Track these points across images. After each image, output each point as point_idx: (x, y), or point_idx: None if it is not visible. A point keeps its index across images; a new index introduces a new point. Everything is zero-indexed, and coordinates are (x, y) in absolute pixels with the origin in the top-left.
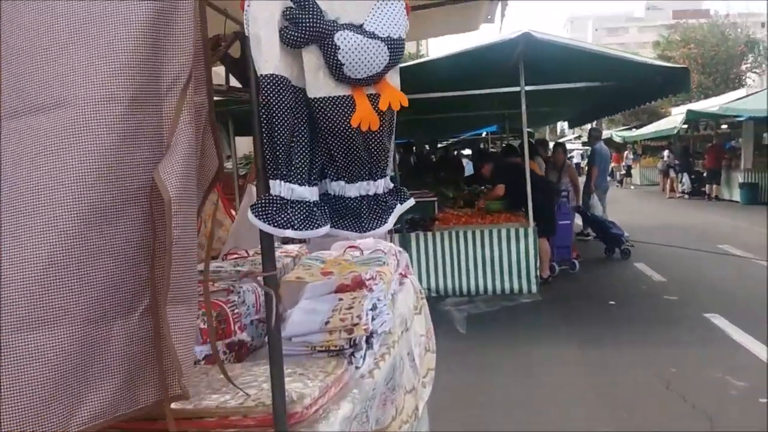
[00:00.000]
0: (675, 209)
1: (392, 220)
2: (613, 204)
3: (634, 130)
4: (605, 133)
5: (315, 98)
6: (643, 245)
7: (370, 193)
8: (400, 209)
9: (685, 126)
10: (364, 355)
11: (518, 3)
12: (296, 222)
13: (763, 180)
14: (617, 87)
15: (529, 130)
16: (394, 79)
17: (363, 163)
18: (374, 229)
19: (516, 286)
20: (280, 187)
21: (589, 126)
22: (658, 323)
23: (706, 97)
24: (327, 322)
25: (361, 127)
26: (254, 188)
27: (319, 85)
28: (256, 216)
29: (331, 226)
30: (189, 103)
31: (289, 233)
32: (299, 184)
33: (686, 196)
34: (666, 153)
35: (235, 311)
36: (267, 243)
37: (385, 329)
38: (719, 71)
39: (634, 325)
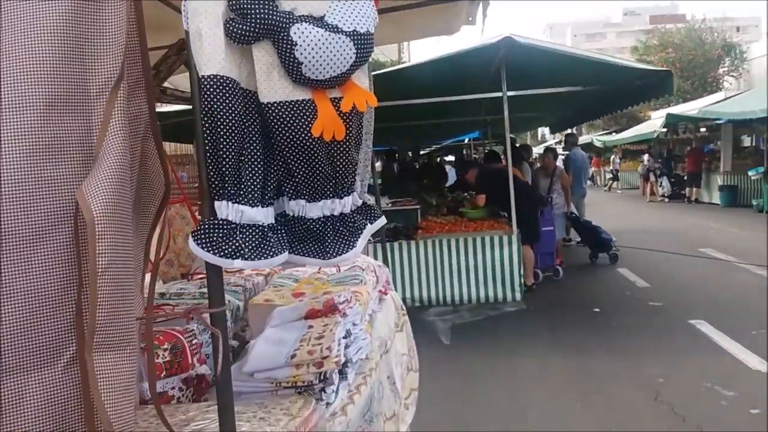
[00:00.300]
0: (656, 213)
1: (361, 243)
2: (593, 208)
3: (614, 134)
4: (586, 138)
5: (269, 103)
6: (625, 250)
7: (336, 212)
8: (370, 230)
9: (665, 130)
10: (337, 389)
11: (496, 9)
12: (247, 250)
13: (742, 182)
14: (599, 91)
15: (511, 135)
16: (361, 80)
17: (327, 178)
18: (341, 255)
19: (500, 295)
20: (227, 209)
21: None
22: (644, 330)
23: (685, 100)
24: (293, 355)
25: (323, 136)
26: None
27: (274, 88)
28: (198, 244)
29: (290, 253)
30: (121, 109)
31: (239, 264)
32: (250, 205)
33: (666, 200)
34: (646, 157)
35: (194, 341)
36: (213, 275)
37: (362, 356)
38: (697, 75)
39: (619, 333)
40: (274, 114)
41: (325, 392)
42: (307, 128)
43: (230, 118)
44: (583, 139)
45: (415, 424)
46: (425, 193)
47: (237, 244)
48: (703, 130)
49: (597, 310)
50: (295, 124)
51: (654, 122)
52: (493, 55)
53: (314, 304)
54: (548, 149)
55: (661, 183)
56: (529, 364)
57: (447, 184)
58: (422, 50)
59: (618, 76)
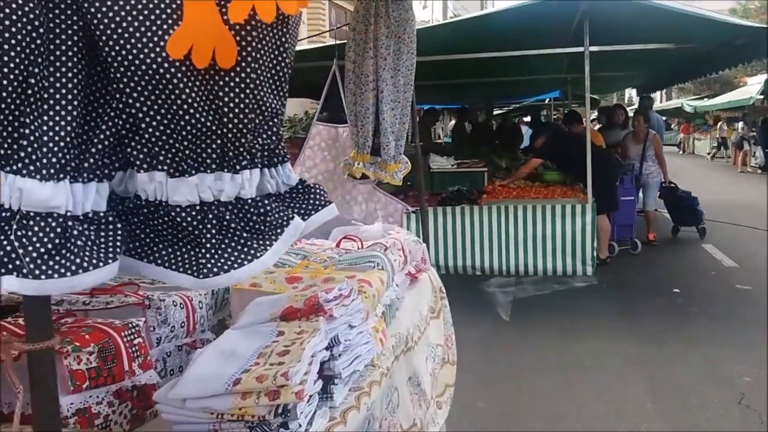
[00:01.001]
0: (747, 185)
1: (277, 250)
2: (676, 178)
3: (706, 99)
4: (676, 102)
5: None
6: (712, 224)
7: (225, 196)
8: (298, 228)
9: (761, 97)
10: (311, 419)
11: None
12: (28, 258)
13: None
14: (693, 50)
15: (594, 96)
16: None
17: (204, 135)
18: (227, 272)
19: (569, 268)
20: None
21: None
22: (729, 319)
23: None
24: (237, 381)
25: (193, 59)
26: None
27: None
28: None
29: (137, 260)
30: None
31: (13, 283)
32: (41, 178)
33: (760, 171)
34: (740, 125)
35: (136, 340)
36: (30, 305)
37: (359, 367)
38: None
39: (701, 320)
40: (101, 16)
41: (287, 428)
42: (159, 43)
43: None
44: (672, 104)
45: (454, 418)
46: (495, 155)
47: (8, 248)
48: None
49: (677, 290)
50: (138, 36)
51: (750, 88)
52: (576, 5)
53: (295, 300)
54: (638, 112)
55: (755, 153)
56: (595, 349)
57: (522, 146)
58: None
59: (715, 33)
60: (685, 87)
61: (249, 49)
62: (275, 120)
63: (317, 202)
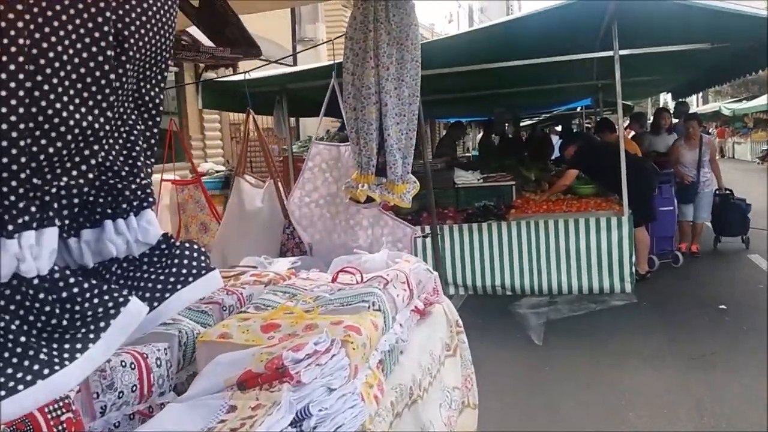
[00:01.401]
0: None
1: (97, 355)
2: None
3: (744, 102)
4: (713, 106)
5: None
6: (756, 232)
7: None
8: (136, 315)
9: None
10: None
11: None
12: None
13: None
14: (730, 49)
15: (626, 102)
16: None
17: None
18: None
19: (606, 285)
20: None
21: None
22: None
23: None
24: None
25: None
26: (243, 182)
27: None
28: None
29: None
30: None
31: None
32: None
33: None
34: None
35: (64, 416)
36: None
37: None
38: None
39: (752, 339)
40: None
41: None
42: None
43: None
44: (709, 107)
45: None
46: (524, 167)
47: None
48: None
49: (723, 307)
50: None
51: None
52: (603, 7)
53: (259, 360)
54: (691, 116)
55: None
56: (637, 376)
57: (552, 157)
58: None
59: (754, 30)
60: (721, 90)
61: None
62: (100, 146)
63: (188, 271)
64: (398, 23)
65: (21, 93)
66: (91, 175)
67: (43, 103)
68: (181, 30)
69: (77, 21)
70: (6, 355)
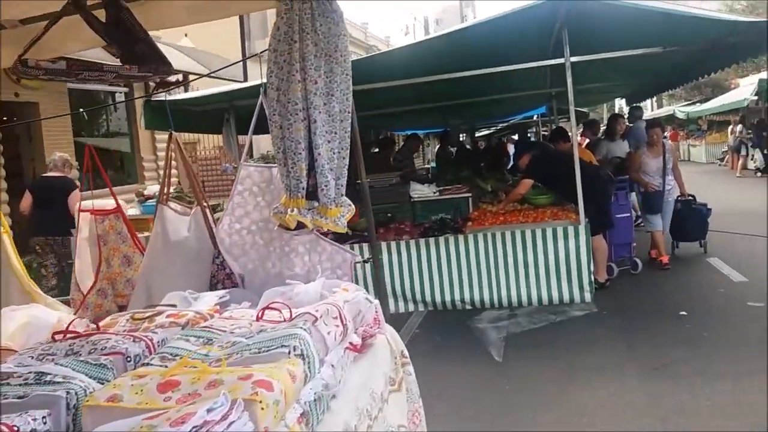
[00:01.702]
0: (748, 189)
1: None
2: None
3: (697, 105)
4: (667, 110)
5: None
6: (715, 234)
7: None
8: None
9: (756, 98)
10: None
11: None
12: None
13: None
14: (682, 53)
15: (581, 109)
16: None
17: None
18: None
19: (566, 295)
20: None
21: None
22: (745, 344)
23: None
24: None
25: None
26: (167, 209)
27: None
28: None
29: None
30: None
31: None
32: None
33: (759, 174)
34: (739, 127)
35: None
36: None
37: None
38: None
39: (713, 345)
40: None
41: None
42: None
43: None
44: (664, 111)
45: None
46: (480, 178)
47: None
48: None
49: (684, 313)
50: None
51: (742, 90)
52: (554, 14)
53: None
54: (654, 123)
55: (753, 156)
56: (598, 387)
57: (509, 167)
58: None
59: (705, 33)
60: (675, 93)
61: None
62: None
63: None
64: (326, 33)
65: None
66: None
67: None
68: (86, 48)
69: None
70: None
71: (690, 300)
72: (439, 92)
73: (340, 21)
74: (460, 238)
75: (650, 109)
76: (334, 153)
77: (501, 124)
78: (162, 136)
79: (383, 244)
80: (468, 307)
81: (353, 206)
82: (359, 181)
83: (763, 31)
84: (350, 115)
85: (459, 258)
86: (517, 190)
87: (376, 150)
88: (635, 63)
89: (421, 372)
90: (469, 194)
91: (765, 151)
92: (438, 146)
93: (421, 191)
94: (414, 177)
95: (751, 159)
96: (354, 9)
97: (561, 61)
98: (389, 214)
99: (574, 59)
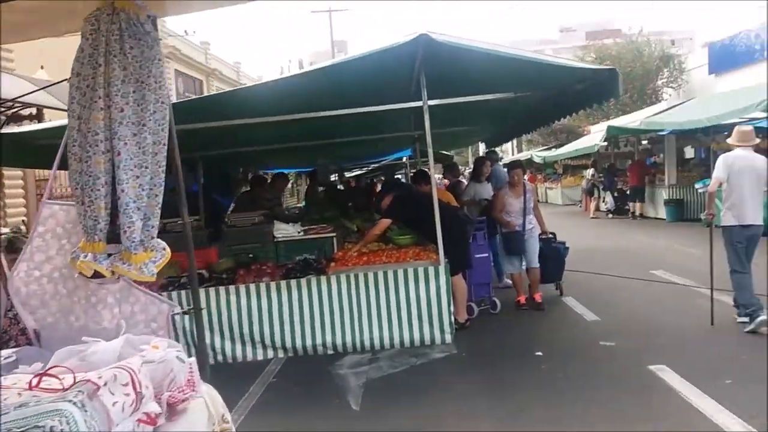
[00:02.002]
0: (600, 230)
1: None
2: None
3: (553, 150)
4: (525, 154)
5: None
6: (570, 274)
7: None
8: None
9: (605, 143)
10: None
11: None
12: None
13: (688, 196)
14: (536, 98)
15: (445, 153)
16: None
17: None
18: None
19: (427, 337)
20: None
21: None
22: (597, 381)
23: (625, 113)
24: None
25: None
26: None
27: None
28: None
29: None
30: None
31: None
32: None
33: (610, 215)
34: (590, 171)
35: None
36: None
37: None
38: (636, 87)
39: (566, 385)
40: None
41: None
42: None
43: None
44: (523, 155)
45: None
46: (346, 218)
47: None
48: (645, 142)
49: (540, 353)
50: None
51: (594, 136)
52: (412, 55)
53: None
54: (515, 164)
55: (605, 198)
56: None
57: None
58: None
59: (555, 78)
60: (533, 139)
61: None
62: None
63: None
64: (137, 57)
65: None
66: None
67: None
68: None
69: None
70: None
71: (546, 340)
72: (306, 131)
73: (155, 44)
74: (323, 279)
75: (511, 154)
76: (143, 190)
77: (373, 165)
78: (12, 172)
79: (242, 288)
80: (330, 351)
81: (168, 250)
82: (180, 222)
83: (606, 78)
84: (165, 147)
85: (321, 300)
86: (373, 230)
87: (248, 189)
88: (493, 108)
89: (277, 427)
90: (334, 234)
91: (615, 194)
92: (307, 186)
93: (285, 231)
94: (279, 216)
95: (603, 201)
96: (227, 48)
97: (419, 104)
98: (251, 255)
99: (431, 103)
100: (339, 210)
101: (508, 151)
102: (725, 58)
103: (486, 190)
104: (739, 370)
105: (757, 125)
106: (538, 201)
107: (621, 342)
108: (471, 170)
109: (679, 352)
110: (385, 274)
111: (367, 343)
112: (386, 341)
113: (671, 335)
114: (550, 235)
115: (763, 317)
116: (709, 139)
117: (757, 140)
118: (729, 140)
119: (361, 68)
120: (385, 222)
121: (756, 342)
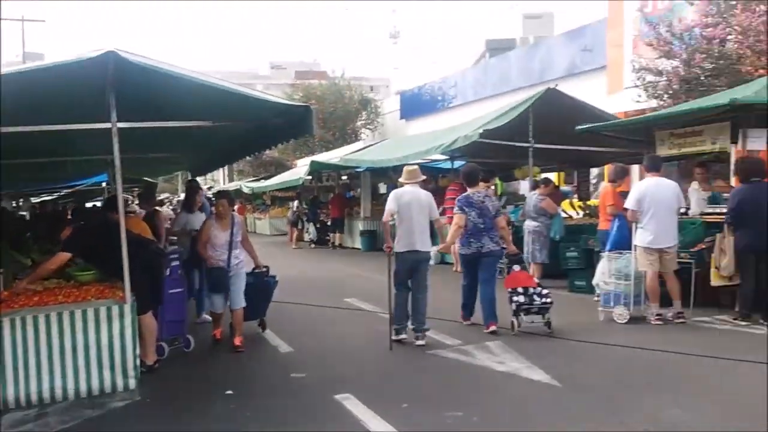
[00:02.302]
0: (302, 260)
1: None
2: None
3: (262, 181)
4: (235, 184)
5: None
6: (271, 305)
7: None
8: None
9: (310, 177)
10: None
11: None
12: None
13: (380, 228)
14: (239, 129)
15: (150, 180)
16: None
17: None
18: None
19: (108, 384)
20: None
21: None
22: (285, 415)
23: (327, 149)
24: None
25: None
26: None
27: None
28: None
29: None
30: None
31: None
32: None
33: (313, 245)
34: (295, 203)
35: None
36: None
37: None
38: (338, 126)
39: (256, 422)
40: None
41: None
42: None
43: None
44: (233, 185)
45: None
46: (20, 251)
47: None
48: (344, 177)
49: (230, 392)
50: None
51: (300, 170)
52: (102, 73)
53: None
54: (221, 193)
55: (308, 229)
56: None
57: None
58: None
59: (255, 110)
60: (244, 170)
61: None
62: None
63: None
64: None
65: None
66: None
67: None
68: None
69: None
70: None
71: (239, 377)
72: None
73: None
74: None
75: (222, 183)
76: None
77: (65, 190)
78: None
79: None
80: None
81: None
82: None
83: (302, 114)
84: None
85: None
86: (45, 264)
87: None
88: (195, 135)
89: None
90: (1, 271)
91: (317, 225)
92: None
93: None
94: None
95: (306, 232)
96: None
97: (108, 126)
98: None
99: (121, 125)
100: (11, 241)
101: (219, 181)
102: (413, 106)
103: (198, 220)
104: (413, 394)
105: (437, 166)
106: (248, 232)
107: (311, 372)
108: (183, 199)
109: (363, 379)
110: (59, 315)
111: (34, 396)
112: (58, 393)
113: (356, 362)
114: (264, 269)
115: (404, 335)
116: (397, 177)
117: (423, 177)
118: (400, 179)
119: (42, 81)
120: (63, 256)
121: (427, 365)
